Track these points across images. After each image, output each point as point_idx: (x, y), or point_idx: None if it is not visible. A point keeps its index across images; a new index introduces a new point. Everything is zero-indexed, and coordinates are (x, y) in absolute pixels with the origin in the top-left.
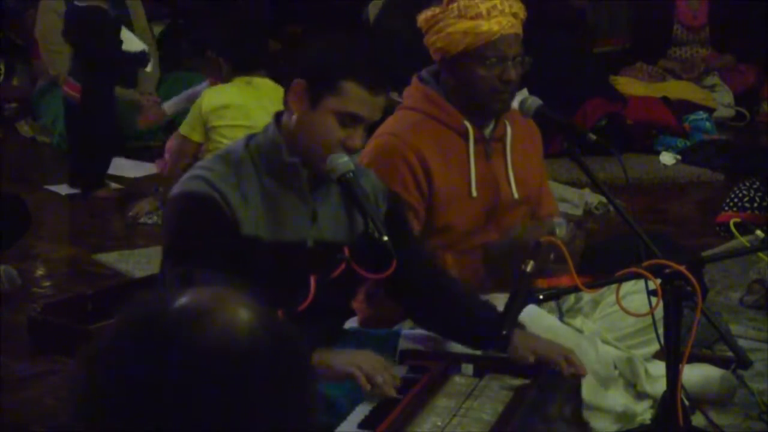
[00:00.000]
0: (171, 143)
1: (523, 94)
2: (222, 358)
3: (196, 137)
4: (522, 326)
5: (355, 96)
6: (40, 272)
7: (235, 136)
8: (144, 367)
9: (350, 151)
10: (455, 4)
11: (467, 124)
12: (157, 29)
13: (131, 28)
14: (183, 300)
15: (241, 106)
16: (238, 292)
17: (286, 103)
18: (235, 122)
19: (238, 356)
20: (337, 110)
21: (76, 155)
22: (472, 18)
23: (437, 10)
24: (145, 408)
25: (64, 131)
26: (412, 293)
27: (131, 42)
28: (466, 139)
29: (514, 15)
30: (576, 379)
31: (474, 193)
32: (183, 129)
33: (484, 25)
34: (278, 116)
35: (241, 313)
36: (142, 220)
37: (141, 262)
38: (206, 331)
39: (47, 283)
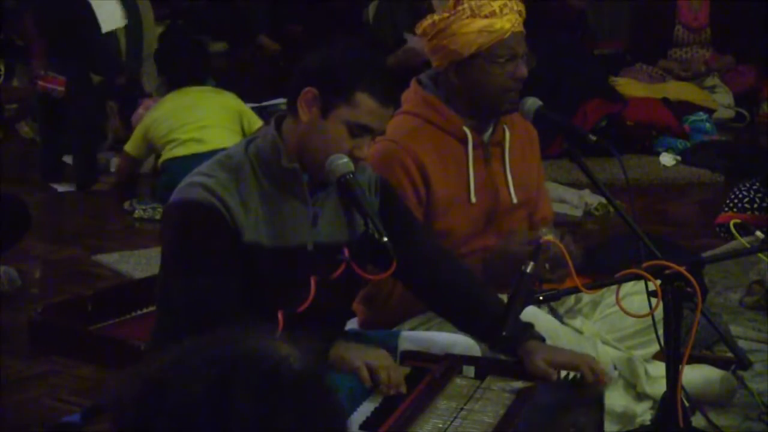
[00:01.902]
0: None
1: None
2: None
3: (136, 153)
4: (542, 338)
5: (367, 108)
6: (40, 273)
7: (178, 137)
8: (209, 411)
9: (357, 160)
10: (465, 5)
11: (466, 129)
12: (157, 29)
13: (141, 31)
14: (253, 345)
15: (174, 113)
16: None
17: (288, 108)
18: (174, 126)
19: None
20: (348, 121)
21: (48, 150)
22: (486, 17)
23: (444, 14)
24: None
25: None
26: (417, 280)
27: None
28: (465, 144)
29: (520, 13)
30: (599, 387)
31: (473, 199)
32: (126, 146)
33: (498, 23)
34: (278, 120)
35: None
36: (137, 213)
37: (141, 263)
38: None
39: (47, 284)
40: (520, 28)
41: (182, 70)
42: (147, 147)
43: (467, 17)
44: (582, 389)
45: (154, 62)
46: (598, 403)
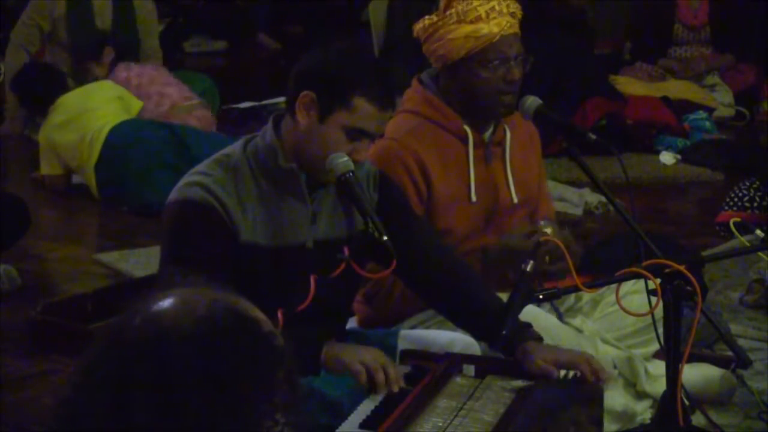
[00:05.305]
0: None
1: None
2: (169, 357)
3: (57, 171)
4: (540, 338)
5: (365, 112)
6: (40, 272)
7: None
8: (104, 371)
9: (355, 163)
10: (453, 10)
11: (467, 128)
12: (159, 28)
13: (138, 28)
14: (147, 304)
15: (58, 128)
16: (208, 290)
17: (287, 108)
18: (62, 139)
19: (190, 355)
20: (346, 125)
21: None
22: (471, 22)
23: (434, 18)
24: (108, 413)
25: None
26: (416, 276)
27: None
28: (466, 144)
29: (512, 15)
30: (598, 386)
31: (473, 198)
32: (43, 170)
33: (484, 28)
34: (276, 120)
35: (203, 311)
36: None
37: (141, 262)
38: (157, 331)
39: (47, 284)
40: (512, 30)
41: (42, 101)
42: (59, 163)
43: (453, 23)
44: (581, 388)
45: (12, 94)
46: (597, 402)
